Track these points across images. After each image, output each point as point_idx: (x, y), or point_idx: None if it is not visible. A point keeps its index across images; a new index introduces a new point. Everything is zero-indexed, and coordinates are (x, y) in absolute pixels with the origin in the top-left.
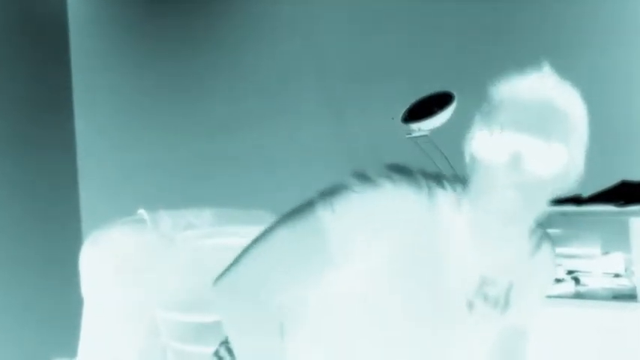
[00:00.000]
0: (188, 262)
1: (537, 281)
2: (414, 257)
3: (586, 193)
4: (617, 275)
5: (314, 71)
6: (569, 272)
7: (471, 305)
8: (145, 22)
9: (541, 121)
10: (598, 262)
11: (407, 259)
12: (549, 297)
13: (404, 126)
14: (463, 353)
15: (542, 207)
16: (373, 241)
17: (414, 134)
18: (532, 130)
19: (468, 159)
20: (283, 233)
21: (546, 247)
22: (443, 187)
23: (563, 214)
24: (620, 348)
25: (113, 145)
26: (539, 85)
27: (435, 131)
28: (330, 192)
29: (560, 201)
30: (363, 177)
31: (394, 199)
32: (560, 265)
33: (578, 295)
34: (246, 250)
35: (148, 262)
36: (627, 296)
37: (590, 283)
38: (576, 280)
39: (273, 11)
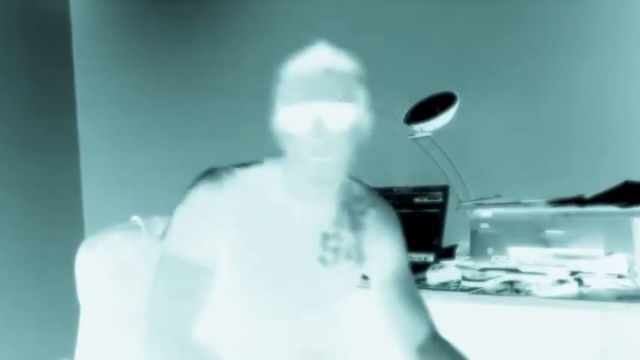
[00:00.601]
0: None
1: (386, 229)
2: (250, 234)
3: (589, 194)
4: (620, 276)
5: None
6: (572, 273)
7: (322, 260)
8: (147, 24)
9: (326, 86)
10: (601, 263)
11: (244, 239)
12: (552, 298)
13: (406, 127)
14: (329, 304)
15: (347, 162)
16: (216, 237)
17: (416, 135)
18: (322, 95)
19: (276, 134)
20: (164, 270)
21: (380, 202)
22: (246, 167)
23: (566, 214)
24: (624, 349)
25: (116, 147)
26: (315, 58)
27: (438, 132)
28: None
29: (562, 202)
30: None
31: (201, 199)
32: (563, 265)
33: (581, 296)
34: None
35: (144, 267)
36: (631, 297)
37: (593, 284)
38: (579, 281)
39: (274, 12)
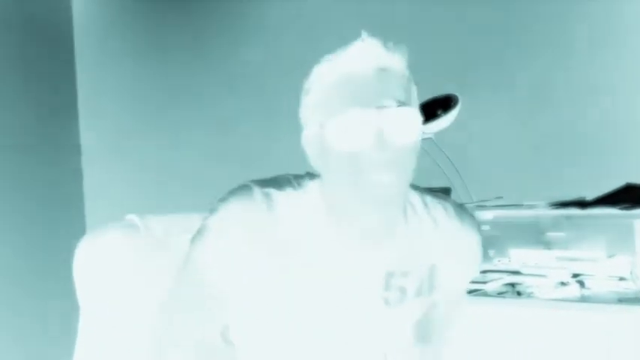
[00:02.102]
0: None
1: (461, 257)
2: (291, 275)
3: (591, 197)
4: (622, 278)
5: None
6: (574, 275)
7: (387, 301)
8: (149, 23)
9: (383, 88)
10: (603, 266)
11: (286, 281)
12: (553, 300)
13: None
14: (392, 343)
15: (410, 177)
16: (243, 274)
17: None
18: (380, 99)
19: (314, 157)
20: (179, 292)
21: (460, 217)
22: (283, 189)
23: (568, 217)
24: (626, 352)
25: (118, 146)
26: (363, 55)
27: (439, 134)
28: (192, 240)
29: (564, 204)
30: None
31: (238, 219)
32: (565, 268)
33: (582, 299)
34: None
35: (142, 267)
36: (632, 300)
37: (594, 286)
38: (581, 284)
39: (276, 11)
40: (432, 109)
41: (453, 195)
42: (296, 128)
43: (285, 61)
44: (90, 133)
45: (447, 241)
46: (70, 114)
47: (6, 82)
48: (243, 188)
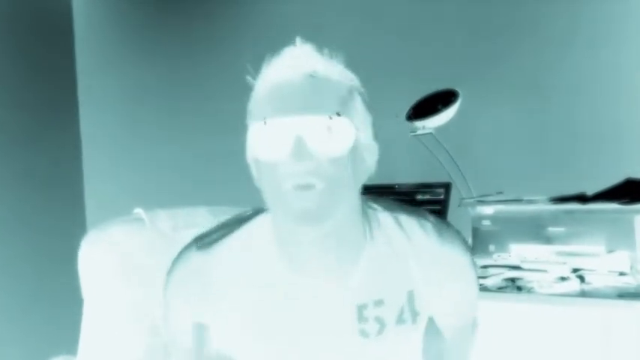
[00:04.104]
0: None
1: (446, 279)
2: (256, 313)
3: (591, 191)
4: (622, 274)
5: None
6: (574, 270)
7: (364, 333)
8: (149, 21)
9: (308, 95)
10: (603, 261)
11: (250, 318)
12: (553, 295)
13: (408, 124)
14: None
15: (345, 190)
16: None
17: (418, 132)
18: (303, 106)
19: (253, 171)
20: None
21: (440, 235)
22: (230, 229)
23: (568, 212)
24: (625, 347)
25: (118, 142)
26: (293, 61)
27: (440, 129)
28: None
29: (564, 199)
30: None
31: (192, 269)
32: (565, 263)
33: (583, 294)
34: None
35: (148, 261)
36: (632, 295)
37: (595, 281)
38: (581, 279)
39: (278, 10)
40: (433, 103)
41: (454, 190)
42: None
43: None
44: (90, 131)
45: (426, 263)
46: (71, 111)
47: (6, 79)
48: (180, 254)
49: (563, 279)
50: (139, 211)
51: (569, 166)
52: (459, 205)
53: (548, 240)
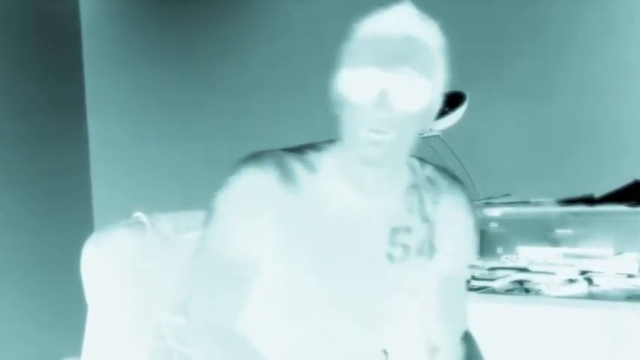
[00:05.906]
0: (190, 265)
1: (458, 222)
2: (301, 229)
3: (598, 194)
4: (630, 276)
5: (321, 72)
6: (582, 272)
7: (390, 257)
8: (156, 22)
9: (403, 55)
10: (611, 263)
11: (293, 235)
12: (561, 297)
13: None
14: (397, 304)
15: (409, 146)
16: (259, 235)
17: (425, 134)
18: (396, 63)
19: (335, 100)
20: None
21: (454, 188)
22: (302, 153)
23: (576, 214)
24: (634, 348)
25: (125, 143)
26: (397, 20)
27: (447, 131)
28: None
29: (572, 201)
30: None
31: (245, 187)
32: (573, 265)
33: (590, 296)
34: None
35: (150, 265)
36: None
37: (603, 283)
38: (589, 281)
39: (281, 11)
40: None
41: None
42: (301, 128)
43: (291, 62)
44: (97, 131)
45: (444, 205)
46: (78, 111)
47: (14, 79)
48: (255, 155)
49: (571, 281)
50: (139, 214)
51: (577, 169)
52: None
53: (555, 242)
